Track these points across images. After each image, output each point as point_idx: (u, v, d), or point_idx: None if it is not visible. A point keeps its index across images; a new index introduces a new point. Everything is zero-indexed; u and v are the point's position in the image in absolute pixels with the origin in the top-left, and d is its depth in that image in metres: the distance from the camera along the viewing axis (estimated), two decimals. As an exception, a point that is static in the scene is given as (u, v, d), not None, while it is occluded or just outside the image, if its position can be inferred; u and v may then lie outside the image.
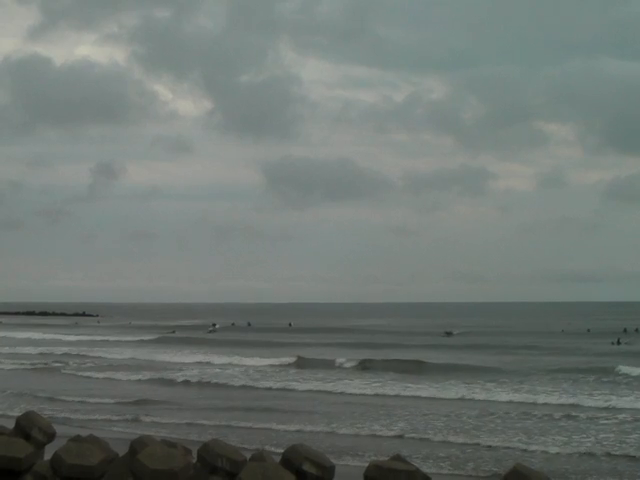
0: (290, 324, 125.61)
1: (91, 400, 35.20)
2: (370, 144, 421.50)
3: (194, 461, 8.49)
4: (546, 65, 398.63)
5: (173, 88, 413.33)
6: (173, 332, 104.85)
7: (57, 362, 55.81)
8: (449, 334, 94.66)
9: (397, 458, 8.53)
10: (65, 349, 69.22)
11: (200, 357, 59.74)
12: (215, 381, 43.79)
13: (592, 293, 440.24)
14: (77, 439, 9.40)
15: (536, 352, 64.56)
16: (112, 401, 35.00)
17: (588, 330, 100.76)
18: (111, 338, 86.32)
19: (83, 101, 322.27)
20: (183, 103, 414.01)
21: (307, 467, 8.08)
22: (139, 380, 44.85)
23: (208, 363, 55.54)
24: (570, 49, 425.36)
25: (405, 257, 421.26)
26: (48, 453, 9.58)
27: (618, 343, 77.63)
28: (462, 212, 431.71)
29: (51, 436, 10.25)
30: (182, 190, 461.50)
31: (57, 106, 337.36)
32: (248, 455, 8.59)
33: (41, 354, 63.89)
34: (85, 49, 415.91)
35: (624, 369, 46.47)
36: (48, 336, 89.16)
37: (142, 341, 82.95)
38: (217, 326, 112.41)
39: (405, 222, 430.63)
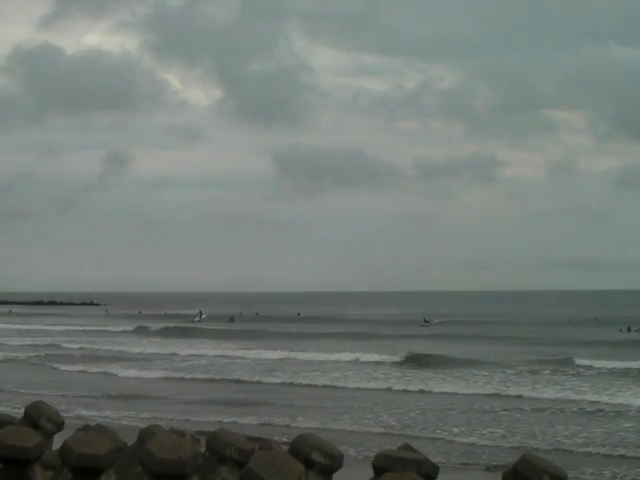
0: (299, 313, 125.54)
1: (47, 392, 33.93)
2: (381, 132, 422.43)
3: (203, 450, 8.50)
4: (557, 52, 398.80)
5: (184, 76, 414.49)
6: (192, 321, 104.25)
7: (36, 354, 55.08)
8: (427, 322, 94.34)
9: (406, 447, 8.51)
10: (55, 339, 68.55)
11: (184, 349, 58.62)
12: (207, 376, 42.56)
13: (603, 281, 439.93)
14: (86, 428, 9.41)
15: (509, 342, 63.73)
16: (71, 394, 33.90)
17: (596, 319, 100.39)
18: (112, 329, 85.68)
19: (94, 90, 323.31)
20: (194, 92, 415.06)
21: (315, 456, 8.08)
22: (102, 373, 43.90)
23: (201, 355, 54.57)
24: (581, 36, 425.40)
25: (415, 245, 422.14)
26: (57, 442, 9.59)
27: (628, 330, 77.43)
28: (472, 200, 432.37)
29: (60, 425, 10.26)
30: (192, 179, 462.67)
31: (68, 95, 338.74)
32: (256, 445, 8.59)
33: (22, 345, 63.20)
34: (96, 38, 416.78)
35: (580, 361, 45.97)
36: (40, 327, 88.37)
37: (145, 332, 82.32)
38: (204, 316, 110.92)
39: (415, 210, 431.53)
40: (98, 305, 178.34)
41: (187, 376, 42.54)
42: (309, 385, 38.67)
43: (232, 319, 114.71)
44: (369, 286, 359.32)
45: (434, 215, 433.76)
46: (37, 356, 53.72)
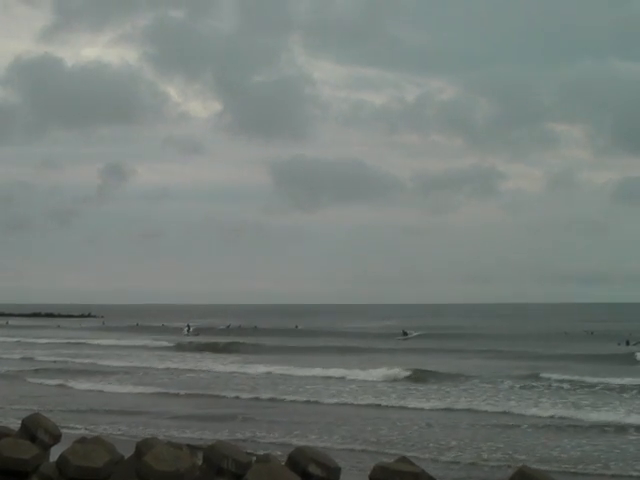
0: (297, 326, 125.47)
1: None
2: (380, 145, 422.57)
3: (200, 463, 8.49)
4: (556, 66, 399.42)
5: (185, 89, 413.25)
6: (194, 334, 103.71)
7: (9, 367, 53.94)
8: (406, 335, 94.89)
9: (403, 460, 8.52)
10: (35, 352, 67.52)
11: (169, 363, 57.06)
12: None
13: (602, 294, 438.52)
14: (83, 441, 9.41)
15: (488, 355, 62.96)
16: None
17: (591, 333, 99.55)
18: (99, 342, 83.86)
19: (94, 102, 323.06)
20: (194, 104, 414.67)
21: (313, 469, 8.08)
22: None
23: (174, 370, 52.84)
24: (580, 50, 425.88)
25: (415, 258, 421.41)
26: (54, 455, 9.58)
27: (627, 344, 77.18)
28: (471, 213, 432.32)
29: (57, 437, 10.25)
30: (192, 191, 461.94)
31: (68, 107, 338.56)
32: (253, 457, 8.59)
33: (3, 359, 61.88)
34: (97, 50, 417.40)
35: (546, 375, 44.91)
36: (30, 340, 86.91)
37: (129, 345, 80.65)
38: (191, 329, 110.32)
39: (415, 223, 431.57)
40: (96, 317, 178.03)
41: (161, 390, 41.39)
42: (307, 401, 37.83)
43: (228, 327, 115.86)
44: (368, 299, 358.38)
45: (434, 228, 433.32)
46: (9, 369, 52.75)
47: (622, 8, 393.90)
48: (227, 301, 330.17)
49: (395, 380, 45.55)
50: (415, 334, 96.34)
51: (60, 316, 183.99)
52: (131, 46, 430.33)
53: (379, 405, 35.61)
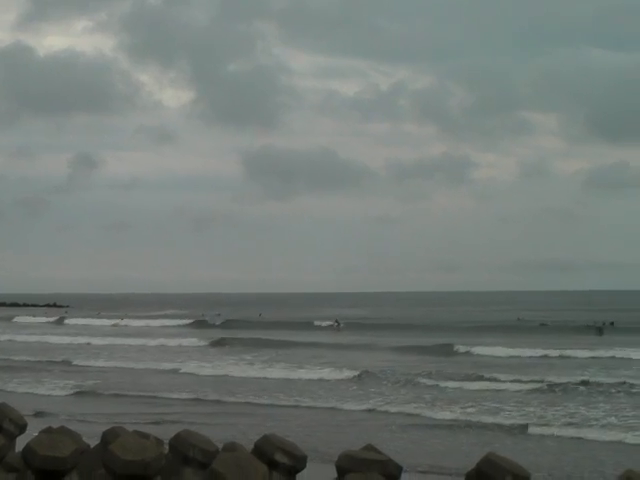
0: (260, 314, 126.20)
1: None
2: (353, 134, 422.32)
3: (166, 452, 8.49)
4: (530, 55, 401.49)
5: (159, 78, 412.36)
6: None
7: None
8: (338, 324, 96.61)
9: (369, 448, 8.54)
10: None
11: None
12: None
13: (573, 282, 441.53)
14: (49, 430, 9.37)
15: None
16: None
17: (541, 324, 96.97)
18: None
19: (67, 91, 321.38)
20: (169, 93, 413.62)
21: (279, 457, 8.11)
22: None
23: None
24: (555, 39, 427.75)
25: (387, 246, 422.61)
26: (19, 445, 9.54)
27: (600, 332, 76.76)
28: (444, 201, 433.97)
29: (22, 427, 10.21)
30: (163, 181, 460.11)
31: (40, 96, 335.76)
32: (219, 446, 8.59)
33: None
34: (71, 39, 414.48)
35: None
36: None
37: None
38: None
39: (387, 212, 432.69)
40: (61, 307, 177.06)
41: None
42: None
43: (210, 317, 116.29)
44: (340, 287, 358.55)
45: (407, 217, 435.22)
46: None
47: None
48: (197, 290, 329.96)
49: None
50: (343, 323, 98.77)
51: (25, 306, 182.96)
52: (106, 34, 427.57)
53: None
